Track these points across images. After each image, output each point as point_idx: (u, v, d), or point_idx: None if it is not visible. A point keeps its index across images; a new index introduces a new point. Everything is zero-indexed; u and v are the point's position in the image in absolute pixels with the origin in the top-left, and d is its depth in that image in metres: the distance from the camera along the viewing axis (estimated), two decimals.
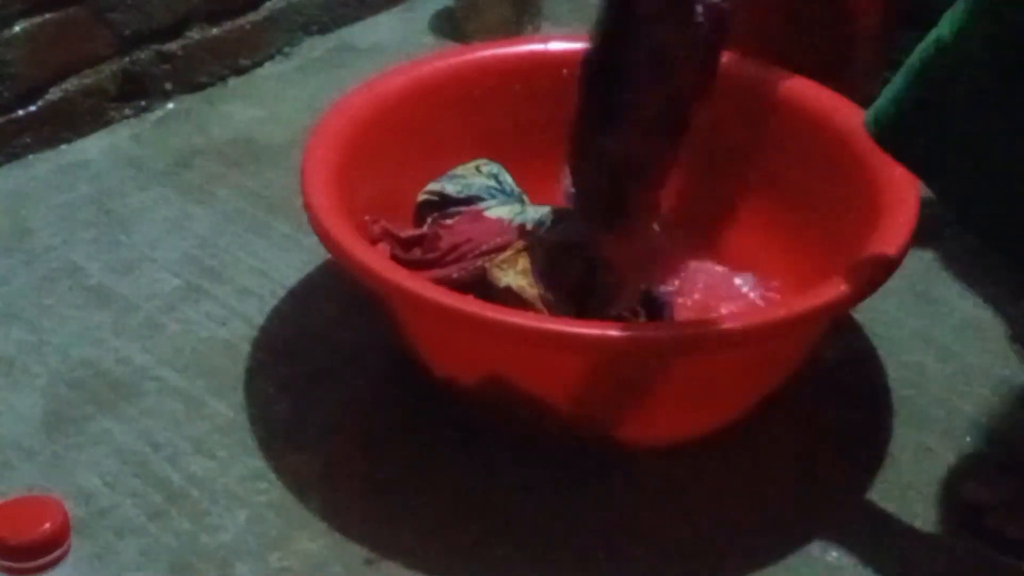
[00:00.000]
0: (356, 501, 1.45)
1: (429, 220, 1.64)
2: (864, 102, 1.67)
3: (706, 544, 1.42)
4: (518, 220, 1.60)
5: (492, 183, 1.68)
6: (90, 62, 2.01)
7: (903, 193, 1.49)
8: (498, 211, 1.62)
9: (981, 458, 1.51)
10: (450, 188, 1.66)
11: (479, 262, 1.52)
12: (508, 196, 1.67)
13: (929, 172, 1.34)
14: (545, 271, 1.52)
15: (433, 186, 1.67)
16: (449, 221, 1.61)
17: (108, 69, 2.03)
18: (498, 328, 1.36)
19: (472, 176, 1.68)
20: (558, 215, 1.62)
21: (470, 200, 1.64)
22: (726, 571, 1.40)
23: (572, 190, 1.53)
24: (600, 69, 1.45)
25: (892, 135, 1.32)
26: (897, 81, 1.31)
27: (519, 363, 1.42)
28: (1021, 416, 1.57)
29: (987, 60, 1.22)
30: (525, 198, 1.69)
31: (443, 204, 1.65)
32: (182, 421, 1.54)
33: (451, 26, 2.31)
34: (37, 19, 1.93)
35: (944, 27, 1.25)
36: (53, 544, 0.95)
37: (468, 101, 1.74)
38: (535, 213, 1.62)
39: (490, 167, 1.70)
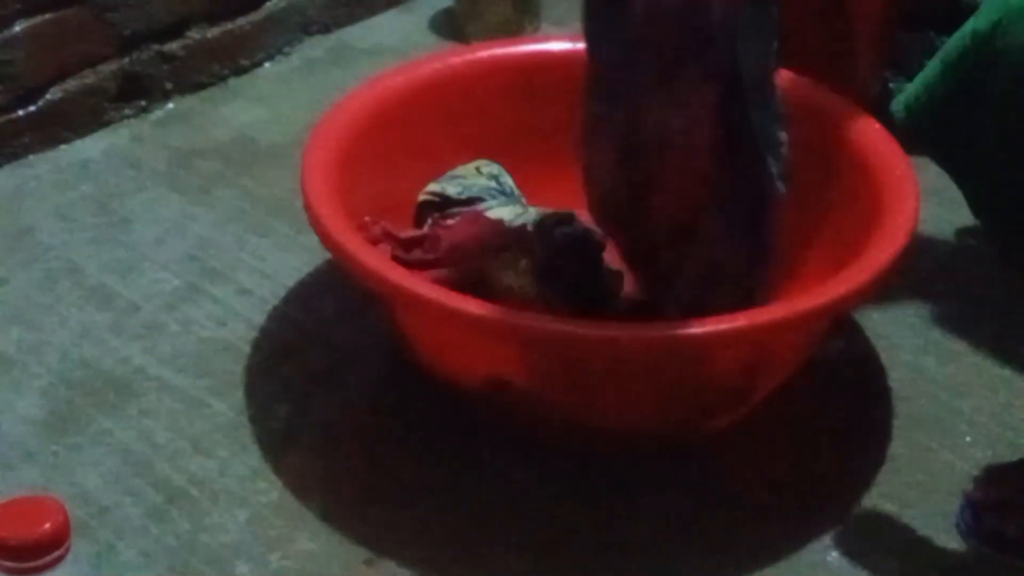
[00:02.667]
0: (356, 501, 1.46)
1: (429, 220, 1.64)
2: (864, 102, 1.68)
3: (706, 544, 1.42)
4: (518, 221, 1.60)
5: (492, 184, 1.68)
6: (90, 62, 2.01)
7: (903, 193, 1.49)
8: (498, 212, 1.62)
9: (981, 458, 1.51)
10: (451, 189, 1.66)
11: (480, 262, 1.52)
12: (508, 197, 1.67)
13: (954, 162, 1.33)
14: (545, 271, 1.52)
15: (433, 187, 1.67)
16: (450, 222, 1.61)
17: (108, 69, 2.03)
18: (498, 328, 1.36)
19: (472, 177, 1.68)
20: (559, 216, 1.62)
21: (471, 201, 1.64)
22: (725, 570, 1.40)
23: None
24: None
25: (921, 122, 1.31)
26: (930, 69, 1.30)
27: (519, 363, 1.42)
28: (1021, 416, 1.57)
29: (1022, 55, 1.21)
30: (524, 199, 1.68)
31: (444, 205, 1.65)
32: (182, 421, 1.54)
33: (451, 26, 2.31)
34: (37, 19, 1.93)
35: (981, 18, 1.25)
36: (53, 544, 0.95)
37: (468, 101, 1.74)
38: (536, 214, 1.62)
39: (490, 168, 1.70)
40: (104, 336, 1.66)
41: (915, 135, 1.33)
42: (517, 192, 1.69)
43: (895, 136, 1.57)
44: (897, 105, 1.34)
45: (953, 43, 1.28)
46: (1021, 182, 1.27)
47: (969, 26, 1.26)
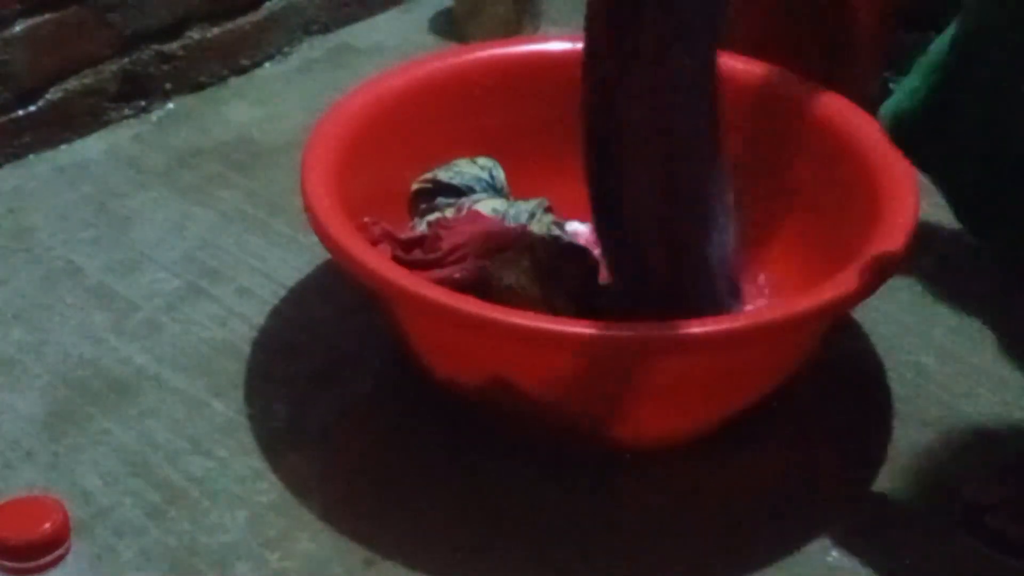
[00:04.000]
0: (356, 501, 1.46)
1: (427, 220, 1.64)
2: (864, 102, 1.68)
3: (705, 544, 1.42)
4: (503, 214, 1.60)
5: (484, 176, 1.68)
6: (90, 62, 2.01)
7: (903, 193, 1.49)
8: (485, 204, 1.62)
9: (981, 458, 1.51)
10: (442, 175, 1.66)
11: (480, 262, 1.53)
12: (497, 192, 1.67)
13: (941, 170, 1.33)
14: (546, 271, 1.52)
15: (427, 175, 1.67)
16: (449, 218, 1.61)
17: (108, 69, 2.03)
18: (498, 328, 1.36)
19: (467, 166, 1.68)
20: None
21: (459, 189, 1.65)
22: (726, 570, 1.40)
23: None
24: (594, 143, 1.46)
25: (908, 131, 1.31)
26: (913, 76, 1.30)
27: (519, 363, 1.42)
28: (1021, 416, 1.57)
29: (1005, 59, 1.21)
30: (510, 196, 1.69)
31: (435, 191, 1.65)
32: (182, 421, 1.54)
33: (451, 26, 2.31)
34: (37, 19, 1.93)
35: (961, 24, 1.25)
36: (53, 544, 0.95)
37: (468, 101, 1.74)
38: (516, 210, 1.62)
39: (485, 161, 1.70)
40: (104, 336, 1.66)
41: (900, 143, 1.33)
42: (507, 188, 1.69)
43: None
44: (885, 111, 1.33)
45: (935, 47, 1.27)
46: (1003, 188, 1.27)
47: (949, 31, 1.26)
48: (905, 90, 1.31)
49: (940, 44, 1.27)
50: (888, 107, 1.32)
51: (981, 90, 1.23)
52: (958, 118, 1.25)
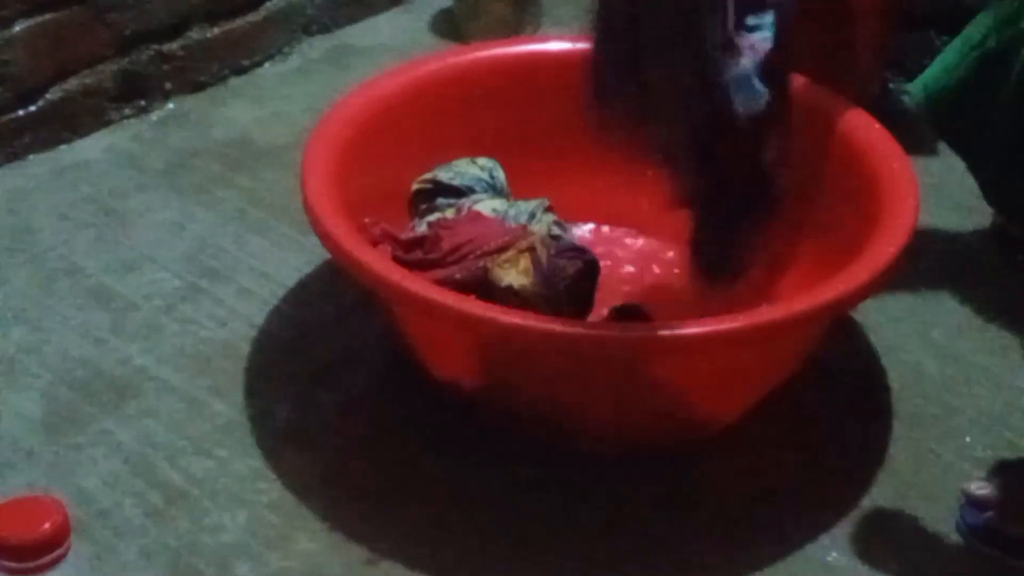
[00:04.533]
0: (356, 501, 1.46)
1: (427, 221, 1.64)
2: (864, 102, 1.68)
3: (706, 544, 1.42)
4: (504, 214, 1.60)
5: (485, 176, 1.68)
6: (90, 62, 2.01)
7: (903, 192, 1.49)
8: (486, 204, 1.62)
9: (981, 458, 1.51)
10: (442, 175, 1.66)
11: (481, 262, 1.53)
12: (497, 192, 1.67)
13: (970, 146, 1.32)
14: (546, 271, 1.52)
15: (426, 175, 1.67)
16: (450, 218, 1.61)
17: (108, 69, 2.03)
18: (498, 328, 1.36)
19: (467, 167, 1.68)
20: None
21: (460, 189, 1.65)
22: (726, 571, 1.40)
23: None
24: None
25: (939, 105, 1.30)
26: (951, 52, 1.29)
27: (519, 363, 1.42)
28: (1021, 416, 1.57)
29: None
30: (511, 196, 1.69)
31: (435, 192, 1.65)
32: (182, 421, 1.54)
33: (451, 26, 2.31)
34: (37, 19, 1.93)
35: (1005, 2, 1.24)
36: (53, 544, 0.95)
37: (468, 101, 1.74)
38: (516, 210, 1.62)
39: (486, 161, 1.70)
40: (104, 336, 1.66)
41: (931, 118, 1.31)
42: (507, 189, 1.70)
43: (895, 135, 1.57)
44: (916, 88, 1.32)
45: (975, 26, 1.26)
46: None
47: (992, 9, 1.25)
48: (940, 66, 1.30)
49: (980, 23, 1.26)
50: (921, 82, 1.31)
51: (1019, 70, 1.22)
52: (994, 97, 1.24)
